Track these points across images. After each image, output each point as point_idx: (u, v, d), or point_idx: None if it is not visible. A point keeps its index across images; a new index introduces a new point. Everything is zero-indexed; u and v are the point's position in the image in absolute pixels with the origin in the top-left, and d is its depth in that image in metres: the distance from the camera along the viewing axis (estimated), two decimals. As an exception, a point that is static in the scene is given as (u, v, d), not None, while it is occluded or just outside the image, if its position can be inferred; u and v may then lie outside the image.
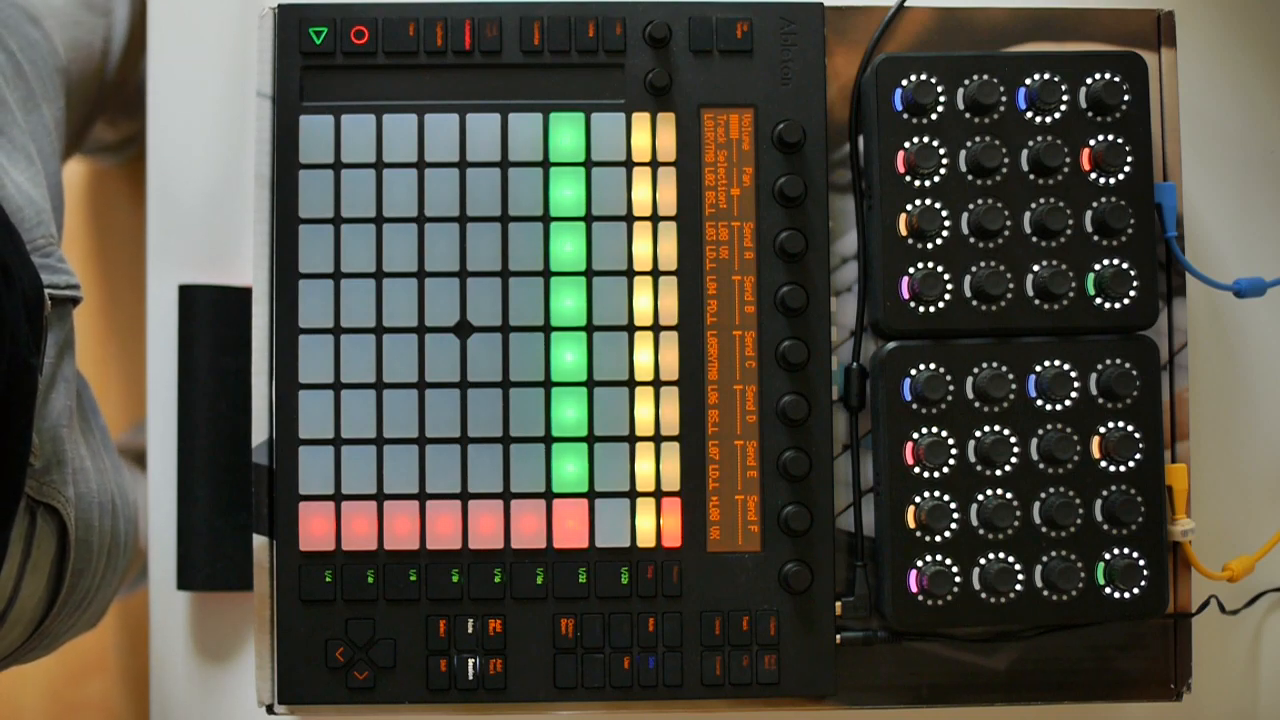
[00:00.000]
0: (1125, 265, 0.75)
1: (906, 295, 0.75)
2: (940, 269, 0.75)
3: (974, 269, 0.75)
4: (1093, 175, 0.75)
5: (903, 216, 0.75)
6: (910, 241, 0.75)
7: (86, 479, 0.78)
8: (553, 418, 0.75)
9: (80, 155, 1.34)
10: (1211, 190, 0.84)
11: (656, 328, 0.75)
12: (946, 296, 0.75)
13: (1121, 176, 0.75)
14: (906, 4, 0.78)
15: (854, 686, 0.76)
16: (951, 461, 0.74)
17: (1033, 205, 0.75)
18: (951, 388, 0.74)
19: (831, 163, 0.77)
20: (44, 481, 0.73)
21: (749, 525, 0.75)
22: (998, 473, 0.74)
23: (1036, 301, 0.75)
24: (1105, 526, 0.74)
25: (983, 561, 0.74)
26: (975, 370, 0.75)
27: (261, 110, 0.76)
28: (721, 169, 0.76)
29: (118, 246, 1.42)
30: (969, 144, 0.75)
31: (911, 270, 0.75)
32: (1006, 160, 0.75)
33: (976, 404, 0.75)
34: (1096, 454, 0.75)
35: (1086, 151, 0.75)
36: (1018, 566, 0.74)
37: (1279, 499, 0.84)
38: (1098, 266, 0.75)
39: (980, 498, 0.74)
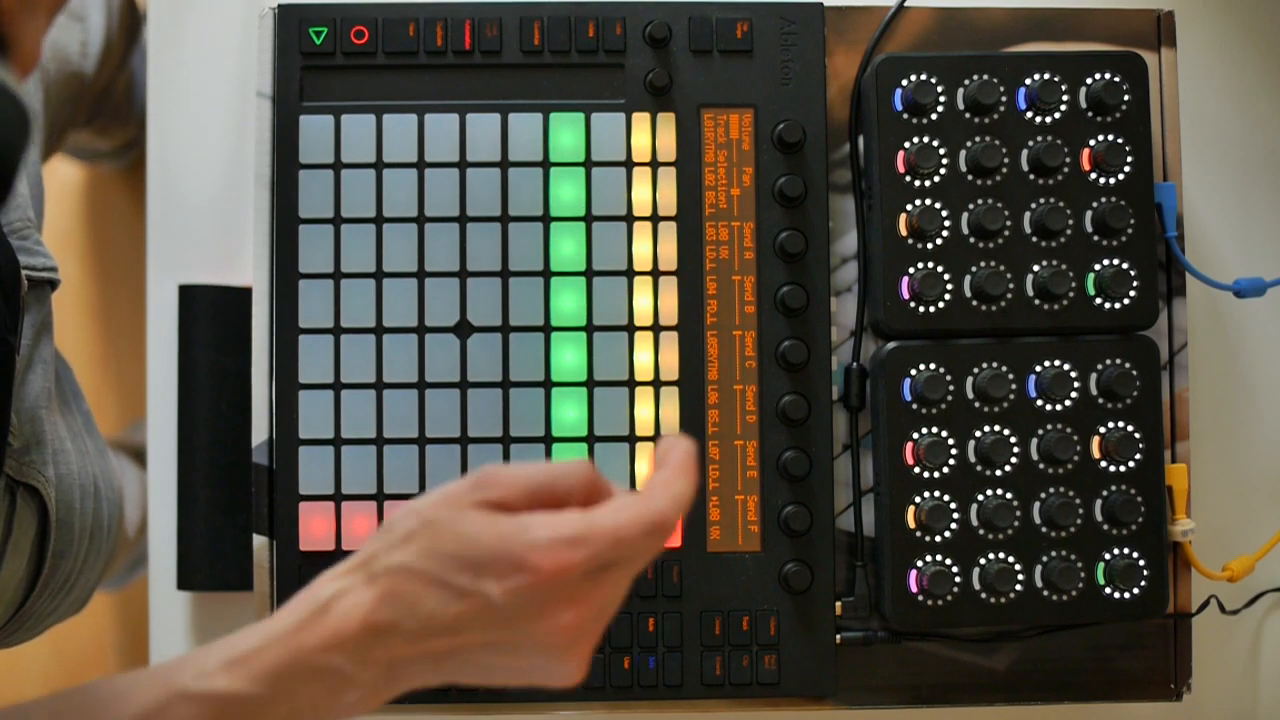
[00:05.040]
0: (1125, 265, 0.75)
1: (906, 295, 0.75)
2: (940, 269, 0.75)
3: (974, 269, 0.75)
4: (1093, 175, 0.75)
5: (903, 216, 0.75)
6: (910, 241, 0.75)
7: (67, 460, 0.78)
8: (553, 418, 0.75)
9: (79, 161, 1.34)
10: (1211, 190, 0.84)
11: (656, 328, 0.75)
12: (946, 296, 0.75)
13: (1121, 176, 0.75)
14: (906, 4, 0.78)
15: (854, 686, 0.76)
16: (951, 461, 0.74)
17: (1033, 205, 0.75)
18: (951, 388, 0.74)
19: (831, 163, 0.77)
20: (23, 462, 0.73)
21: (749, 525, 0.75)
22: (998, 473, 0.74)
23: (1036, 301, 0.75)
24: (1105, 526, 0.74)
25: (983, 561, 0.74)
26: (975, 370, 0.75)
27: (261, 110, 0.76)
28: (721, 169, 0.76)
29: (118, 247, 1.42)
30: (969, 144, 0.75)
31: (911, 270, 0.75)
32: (1006, 160, 0.75)
33: (976, 404, 0.75)
34: (1096, 454, 0.75)
35: (1086, 151, 0.75)
36: (1018, 566, 0.74)
37: (1279, 499, 0.84)
38: (1098, 266, 0.75)
39: (980, 498, 0.74)
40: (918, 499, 0.74)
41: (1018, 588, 0.74)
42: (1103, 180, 0.75)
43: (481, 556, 0.50)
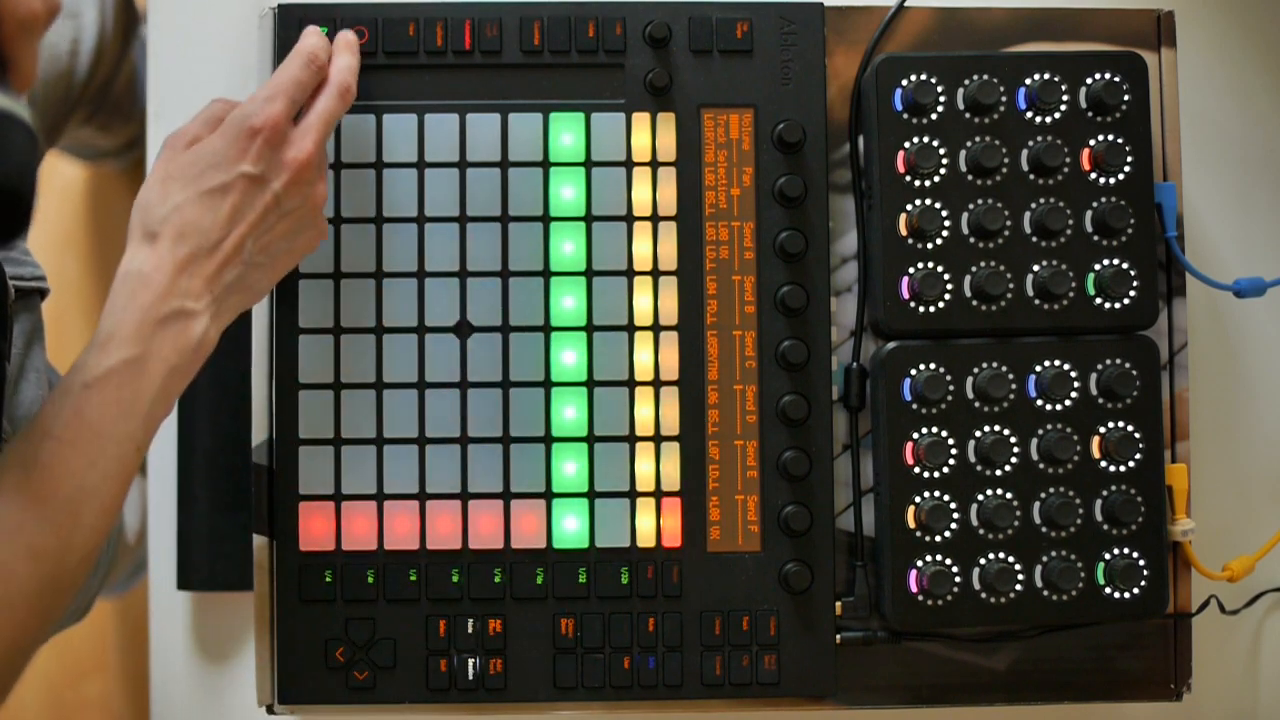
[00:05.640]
0: (1125, 265, 0.75)
1: (906, 295, 0.75)
2: (940, 269, 0.75)
3: (974, 269, 0.75)
4: (1093, 175, 0.75)
5: (903, 216, 0.75)
6: (910, 241, 0.75)
7: None
8: (553, 418, 0.75)
9: (83, 160, 1.34)
10: (1211, 190, 0.84)
11: (656, 328, 0.75)
12: (946, 296, 0.75)
13: (1121, 176, 0.75)
14: (906, 4, 0.78)
15: (854, 686, 0.76)
16: (951, 461, 0.74)
17: (1033, 205, 0.75)
18: (951, 388, 0.74)
19: (831, 163, 0.77)
20: None
21: (749, 525, 0.75)
22: (998, 473, 0.74)
23: (1036, 301, 0.75)
24: (1105, 526, 0.74)
25: (983, 561, 0.74)
26: (975, 370, 0.75)
27: (261, 110, 0.76)
28: (721, 169, 0.76)
29: (119, 248, 1.42)
30: (969, 144, 0.75)
31: (911, 270, 0.75)
32: (1006, 160, 0.75)
33: (976, 404, 0.75)
34: (1096, 454, 0.75)
35: (1086, 151, 0.75)
36: (1018, 566, 0.74)
37: (1279, 499, 0.84)
38: (1098, 266, 0.75)
39: (980, 498, 0.74)
40: (918, 499, 0.74)
41: (1018, 588, 0.74)
42: (1103, 180, 0.75)
43: (220, 154, 0.64)
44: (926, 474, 0.74)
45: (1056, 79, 0.75)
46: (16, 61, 0.57)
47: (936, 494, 0.74)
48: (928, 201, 0.75)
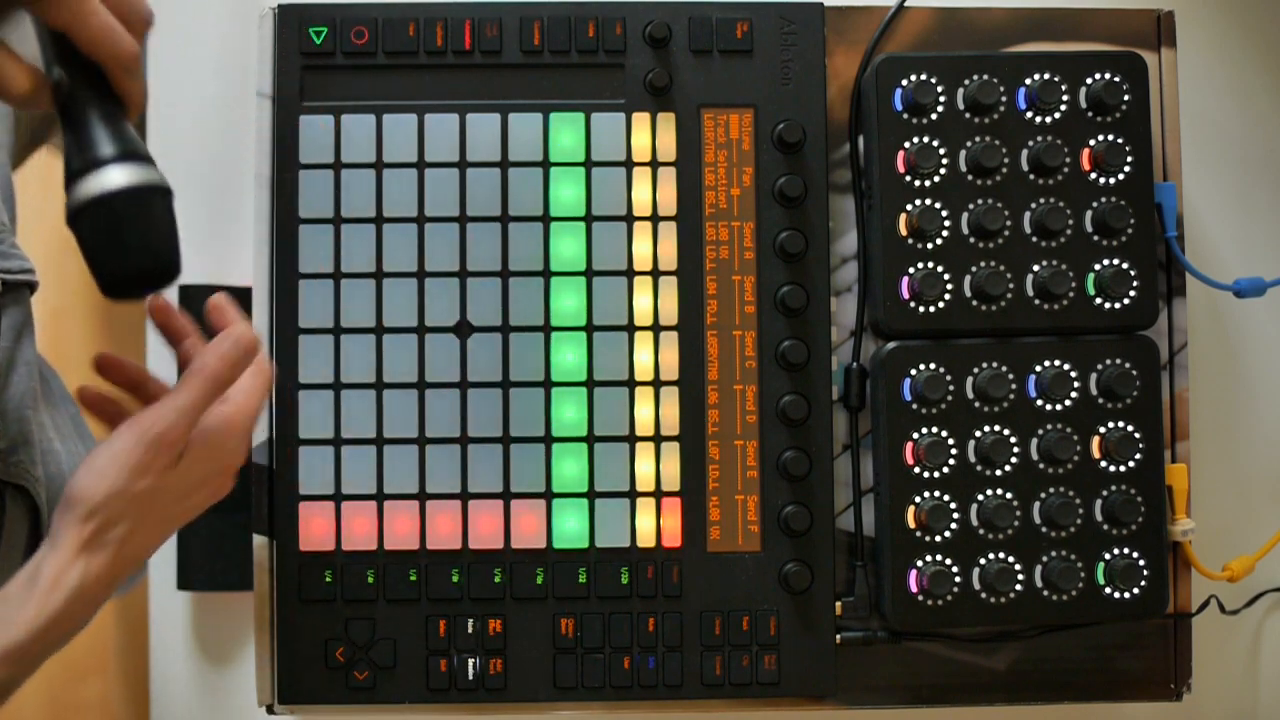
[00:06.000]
0: (1125, 265, 0.75)
1: (906, 295, 0.75)
2: (940, 269, 0.75)
3: (974, 269, 0.75)
4: (1093, 175, 0.75)
5: (903, 216, 0.75)
6: (910, 241, 0.75)
7: (57, 461, 0.78)
8: (553, 418, 0.75)
9: None
10: (1211, 190, 0.84)
11: (656, 328, 0.75)
12: (946, 296, 0.75)
13: (1121, 176, 0.75)
14: (906, 4, 0.78)
15: (854, 686, 0.76)
16: (951, 461, 0.74)
17: (1033, 205, 0.75)
18: (951, 388, 0.74)
19: (831, 163, 0.77)
20: (10, 462, 0.73)
21: (749, 525, 0.75)
22: (998, 473, 0.74)
23: (1036, 301, 0.75)
24: (1105, 526, 0.74)
25: (983, 561, 0.74)
26: (975, 370, 0.75)
27: (261, 110, 0.76)
28: (721, 169, 0.76)
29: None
30: (969, 144, 0.75)
31: (911, 270, 0.75)
32: (1006, 160, 0.75)
33: (976, 404, 0.75)
34: (1096, 454, 0.75)
35: (1086, 151, 0.75)
36: (1018, 566, 0.74)
37: (1279, 499, 0.84)
38: (1098, 266, 0.75)
39: (980, 498, 0.74)
40: (918, 499, 0.74)
41: (1018, 588, 0.74)
42: (1103, 180, 0.75)
43: (195, 481, 0.64)
44: (926, 474, 0.74)
45: (1056, 79, 0.75)
46: (129, 95, 0.61)
47: (936, 494, 0.74)
48: (928, 201, 0.75)
